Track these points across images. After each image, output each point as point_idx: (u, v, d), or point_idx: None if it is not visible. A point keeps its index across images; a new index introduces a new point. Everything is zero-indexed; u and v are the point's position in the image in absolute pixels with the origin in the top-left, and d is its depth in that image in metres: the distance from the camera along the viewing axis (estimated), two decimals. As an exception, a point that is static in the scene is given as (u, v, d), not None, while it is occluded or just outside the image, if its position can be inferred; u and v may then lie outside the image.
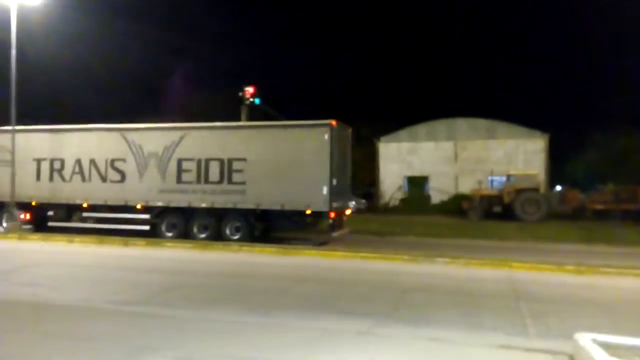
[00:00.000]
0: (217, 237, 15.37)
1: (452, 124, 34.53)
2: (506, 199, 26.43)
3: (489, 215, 26.02)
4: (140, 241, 14.78)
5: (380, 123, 39.76)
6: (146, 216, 16.20)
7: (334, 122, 14.88)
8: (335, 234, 15.31)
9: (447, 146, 34.33)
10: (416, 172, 34.80)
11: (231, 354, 5.54)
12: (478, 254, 12.67)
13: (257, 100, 25.16)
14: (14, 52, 17.44)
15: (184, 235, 15.74)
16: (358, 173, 44.67)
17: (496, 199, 27.03)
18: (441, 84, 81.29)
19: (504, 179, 28.72)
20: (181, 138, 16.01)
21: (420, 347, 6.01)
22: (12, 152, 17.17)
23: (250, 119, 29.53)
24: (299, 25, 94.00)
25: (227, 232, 15.45)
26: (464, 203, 27.52)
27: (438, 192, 33.38)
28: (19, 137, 17.82)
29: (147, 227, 16.10)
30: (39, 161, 17.47)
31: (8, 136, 17.66)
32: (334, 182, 14.71)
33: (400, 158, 35.24)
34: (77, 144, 17.17)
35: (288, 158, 14.98)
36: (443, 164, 34.23)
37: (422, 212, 27.79)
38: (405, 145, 35.22)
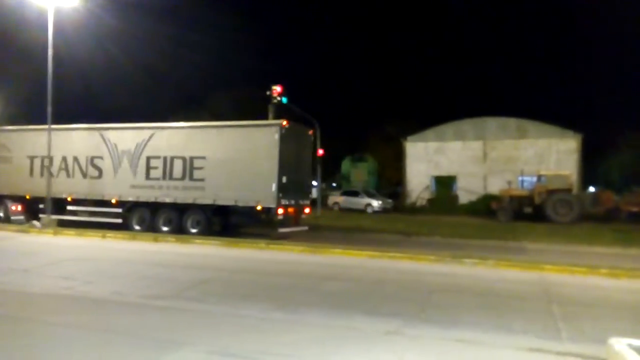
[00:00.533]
0: (179, 230, 16.23)
1: (480, 123, 34.00)
2: (537, 200, 25.88)
3: (518, 217, 25.52)
4: (170, 237, 15.09)
5: (407, 122, 39.50)
6: (119, 210, 17.24)
7: (284, 123, 15.53)
8: (283, 230, 15.73)
9: (475, 146, 33.82)
10: (443, 172, 34.41)
11: (261, 349, 5.61)
12: (507, 256, 12.46)
13: (284, 99, 25.32)
14: (50, 52, 18.00)
15: (151, 228, 16.62)
16: (384, 173, 44.63)
17: (527, 199, 26.49)
18: (469, 83, 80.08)
19: (534, 179, 28.12)
20: (150, 137, 16.96)
21: (448, 348, 5.96)
22: (48, 150, 17.77)
23: (277, 117, 29.77)
24: (326, 25, 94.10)
25: (188, 226, 16.33)
26: (493, 203, 27.07)
27: (466, 192, 32.93)
28: (15, 135, 19.66)
29: (120, 220, 17.06)
30: (32, 158, 18.88)
31: (6, 135, 19.76)
32: (284, 179, 15.27)
33: (427, 158, 34.91)
34: (62, 142, 18.30)
35: (241, 156, 15.76)
36: (471, 163, 33.74)
37: (450, 213, 27.48)
38: (433, 145, 34.86)
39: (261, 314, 7.19)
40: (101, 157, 17.59)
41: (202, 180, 16.09)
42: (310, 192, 17.75)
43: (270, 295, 8.40)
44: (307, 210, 17.05)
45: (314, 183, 28.53)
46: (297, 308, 7.52)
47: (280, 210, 15.33)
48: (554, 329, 6.74)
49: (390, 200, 32.03)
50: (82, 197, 17.90)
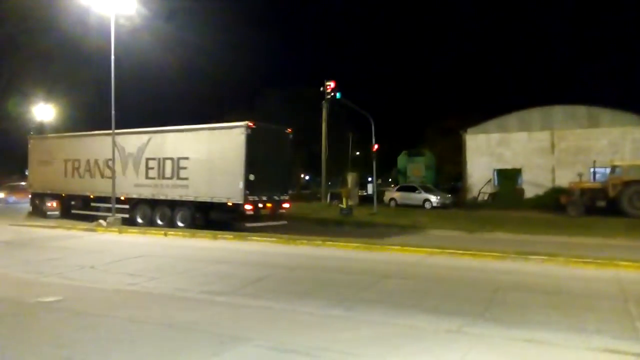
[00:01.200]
0: (171, 224, 17.78)
1: (547, 112, 32.24)
2: (611, 193, 24.20)
3: (591, 211, 23.95)
4: (229, 235, 15.40)
5: (466, 114, 38.26)
6: (127, 206, 19.05)
7: (250, 124, 16.56)
8: (252, 225, 16.57)
9: (542, 136, 32.14)
10: (507, 165, 32.98)
11: (321, 346, 5.55)
12: (579, 252, 11.70)
13: (338, 95, 25.22)
14: (112, 57, 18.87)
15: (151, 223, 18.37)
16: (443, 167, 43.48)
17: (600, 192, 24.82)
18: (534, 70, 76.42)
19: (608, 170, 26.33)
20: (148, 140, 18.82)
21: (515, 348, 5.63)
22: (113, 153, 18.95)
23: (331, 113, 29.78)
24: (381, 18, 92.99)
25: (177, 220, 17.92)
26: (563, 197, 25.59)
27: (532, 185, 31.39)
28: (55, 142, 23.01)
29: (127, 215, 18.88)
30: (65, 161, 21.68)
31: (49, 141, 23.23)
32: (252, 177, 16.28)
33: (489, 150, 33.60)
34: (87, 147, 21.11)
35: (214, 156, 17.08)
36: (537, 155, 32.12)
37: (515, 208, 26.26)
38: (495, 137, 33.49)
39: (319, 310, 7.13)
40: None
41: (186, 179, 17.67)
42: (287, 189, 18.67)
43: (327, 292, 8.33)
44: (285, 205, 17.86)
45: (370, 180, 28.26)
46: (356, 305, 7.40)
47: (248, 206, 16.30)
48: (631, 329, 6.24)
49: (449, 196, 31.11)
50: (102, 195, 19.84)
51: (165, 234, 16.19)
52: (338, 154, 41.97)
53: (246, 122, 16.66)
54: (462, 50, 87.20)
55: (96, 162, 20.59)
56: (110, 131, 19.18)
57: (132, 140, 19.34)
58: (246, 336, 5.91)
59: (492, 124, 33.86)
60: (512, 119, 33.21)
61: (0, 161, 46.18)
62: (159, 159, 18.39)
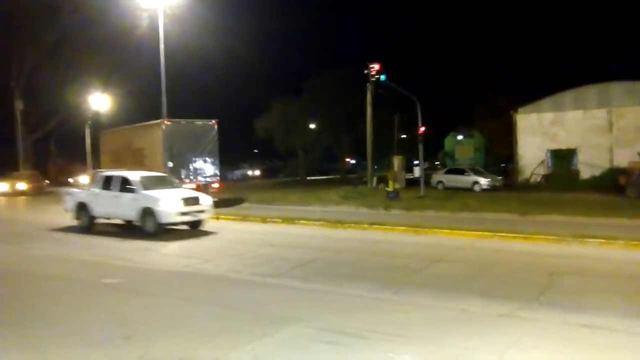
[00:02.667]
0: None
1: (604, 89, 30.49)
2: (675, 173, 22.76)
3: (652, 192, 22.64)
4: (277, 219, 15.65)
5: (517, 93, 36.82)
6: None
7: (167, 121, 19.86)
8: None
9: (598, 114, 30.48)
10: (561, 145, 31.56)
11: (370, 328, 5.60)
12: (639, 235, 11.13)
13: (382, 77, 24.82)
14: (162, 46, 19.38)
15: None
16: (493, 148, 42.19)
17: (662, 172, 23.39)
18: (589, 45, 72.46)
19: (671, 149, 24.75)
20: (133, 134, 22.10)
21: (572, 333, 5.48)
22: (163, 143, 20.14)
23: (376, 95, 29.39)
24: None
25: None
26: (621, 178, 24.28)
27: (588, 166, 29.95)
28: (110, 134, 25.44)
29: None
30: (114, 151, 24.29)
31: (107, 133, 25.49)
32: (170, 164, 19.33)
33: (542, 130, 32.23)
34: (114, 141, 24.13)
35: (150, 148, 20.49)
36: (594, 134, 30.54)
37: (570, 189, 25.15)
38: (548, 116, 32.07)
39: (368, 293, 7.18)
40: (124, 151, 22.11)
41: (144, 166, 19.67)
42: (215, 172, 20.70)
43: (375, 275, 8.36)
44: (214, 185, 20.36)
45: (416, 163, 27.94)
46: (404, 288, 7.40)
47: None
48: (701, 317, 5.90)
49: (500, 178, 30.19)
50: None
51: (217, 218, 16.62)
52: (383, 137, 41.48)
53: (163, 120, 20.16)
54: (511, 25, 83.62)
55: (116, 153, 23.38)
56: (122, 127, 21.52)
57: (128, 134, 22.85)
58: (296, 317, 6.05)
59: (545, 102, 32.40)
60: (567, 96, 31.64)
61: (61, 150, 48.74)
62: (136, 148, 21.66)
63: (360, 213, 17.42)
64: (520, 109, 33.12)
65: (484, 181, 27.88)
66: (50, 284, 8.24)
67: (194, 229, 13.73)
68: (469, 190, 26.82)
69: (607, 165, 29.18)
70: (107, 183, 14.33)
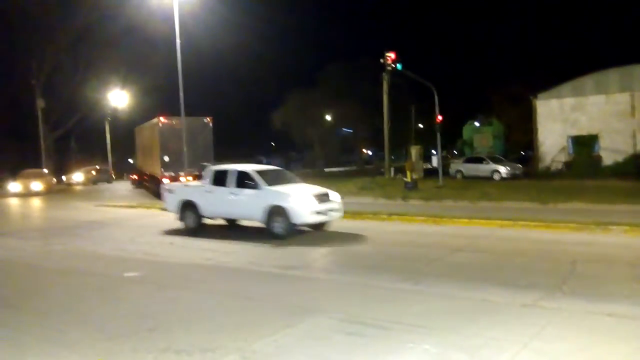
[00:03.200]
0: None
1: (627, 72, 29.71)
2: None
3: (678, 178, 22.10)
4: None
5: (536, 79, 36.18)
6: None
7: (162, 120, 22.66)
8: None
9: (621, 99, 29.77)
10: (583, 131, 30.94)
11: (392, 319, 5.60)
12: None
13: (399, 66, 24.61)
14: (178, 41, 19.48)
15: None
16: (511, 136, 41.61)
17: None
18: (610, 27, 70.62)
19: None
20: (146, 131, 25.09)
21: (596, 322, 5.40)
22: (159, 139, 22.32)
23: (392, 85, 29.18)
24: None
25: None
26: (645, 163, 23.77)
27: (611, 152, 29.33)
28: (139, 130, 28.32)
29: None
30: (142, 146, 27.83)
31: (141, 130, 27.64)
32: (166, 158, 22.39)
33: (562, 116, 31.61)
34: (142, 136, 27.26)
35: (151, 144, 24.22)
36: (616, 119, 29.84)
37: (592, 176, 24.70)
38: (569, 101, 31.43)
39: (389, 284, 7.17)
40: (148, 147, 24.80)
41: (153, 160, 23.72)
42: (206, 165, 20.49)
43: (396, 266, 8.35)
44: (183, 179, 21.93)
45: (434, 153, 27.76)
46: (425, 279, 7.37)
47: (165, 180, 21.06)
48: None
49: (519, 166, 29.78)
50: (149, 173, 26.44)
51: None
52: (400, 127, 41.27)
53: (158, 118, 22.64)
54: (530, 9, 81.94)
55: (144, 147, 26.85)
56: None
57: (145, 132, 26.08)
58: (318, 308, 6.08)
59: (565, 87, 31.74)
60: (588, 81, 30.95)
61: (82, 146, 49.59)
62: (150, 145, 24.83)
63: (379, 204, 17.39)
64: (539, 95, 32.51)
65: (503, 169, 27.52)
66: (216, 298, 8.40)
67: (319, 230, 11.95)
68: (488, 179, 26.54)
69: (630, 151, 28.56)
70: (219, 178, 12.35)
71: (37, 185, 28.94)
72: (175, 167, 21.92)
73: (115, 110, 43.44)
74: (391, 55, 24.31)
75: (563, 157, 30.92)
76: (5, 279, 8.83)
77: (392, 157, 33.53)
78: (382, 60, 24.73)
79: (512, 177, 26.97)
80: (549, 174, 28.37)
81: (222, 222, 13.55)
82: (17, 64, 35.74)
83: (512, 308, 5.93)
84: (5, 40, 34.44)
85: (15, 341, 5.39)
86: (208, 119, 22.30)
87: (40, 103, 34.66)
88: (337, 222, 13.78)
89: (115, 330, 5.58)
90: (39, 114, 35.11)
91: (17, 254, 10.92)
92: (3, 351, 5.13)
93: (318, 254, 9.42)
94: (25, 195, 28.16)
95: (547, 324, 5.33)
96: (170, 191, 13.53)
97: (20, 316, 6.34)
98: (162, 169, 22.17)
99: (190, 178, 20.38)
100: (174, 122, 22.31)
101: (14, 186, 28.86)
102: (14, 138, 38.25)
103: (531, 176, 27.11)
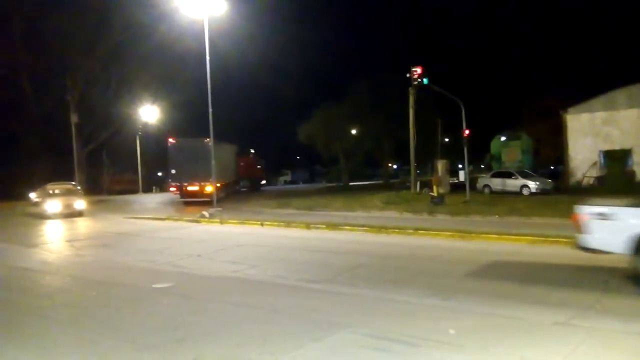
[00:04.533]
0: None
1: (661, 86, 29.00)
2: None
3: None
4: (321, 225, 15.71)
5: (566, 93, 35.57)
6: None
7: (172, 140, 28.31)
8: (182, 200, 28.19)
9: (654, 113, 29.01)
10: (615, 146, 30.19)
11: (419, 335, 5.53)
12: None
13: (425, 80, 24.58)
14: (207, 57, 19.95)
15: None
16: (541, 150, 40.81)
17: None
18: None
19: None
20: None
21: (632, 342, 5.24)
22: (211, 151, 21.79)
23: (418, 99, 29.11)
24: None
25: None
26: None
27: (644, 167, 28.53)
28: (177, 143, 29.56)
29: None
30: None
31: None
32: (173, 171, 27.95)
33: (593, 130, 30.94)
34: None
35: (168, 158, 28.77)
36: (650, 134, 29.06)
37: (625, 192, 23.97)
38: (600, 115, 30.76)
39: (415, 299, 7.09)
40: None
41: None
42: (208, 177, 24.02)
43: (423, 281, 8.25)
44: (207, 188, 25.67)
45: (462, 166, 27.56)
46: (453, 295, 7.26)
47: (172, 188, 28.37)
48: None
49: (550, 181, 29.16)
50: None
51: (262, 224, 16.89)
52: (426, 141, 41.02)
53: (170, 139, 28.36)
54: (560, 23, 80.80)
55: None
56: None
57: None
58: (344, 323, 6.05)
59: (596, 101, 31.10)
60: (620, 95, 30.26)
61: (113, 160, 50.86)
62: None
63: (404, 218, 17.26)
64: (570, 109, 31.94)
65: (533, 184, 26.98)
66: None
67: None
68: (517, 194, 26.06)
69: (665, 166, 27.69)
70: None
71: (79, 204, 22.95)
72: (181, 179, 27.63)
73: (145, 124, 44.52)
74: (417, 70, 24.34)
75: (595, 172, 30.19)
76: (38, 289, 9.09)
77: (418, 172, 33.31)
78: (408, 75, 24.76)
79: (542, 192, 26.40)
80: (580, 189, 27.67)
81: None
82: (53, 80, 37.09)
83: (544, 326, 5.78)
84: (41, 57, 35.84)
85: (48, 350, 5.53)
86: (207, 139, 23.70)
87: (74, 118, 35.79)
88: (362, 235, 13.74)
89: (145, 340, 5.67)
90: (73, 128, 36.23)
91: (50, 265, 11.23)
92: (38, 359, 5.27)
93: (342, 268, 9.39)
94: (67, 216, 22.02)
95: (580, 342, 5.18)
96: (604, 217, 7.93)
97: (53, 326, 6.49)
98: (169, 179, 28.81)
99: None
100: (183, 142, 28.45)
101: (52, 205, 22.21)
102: (48, 152, 39.50)
103: (562, 191, 26.50)
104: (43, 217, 21.71)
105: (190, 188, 27.46)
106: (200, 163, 25.42)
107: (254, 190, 42.26)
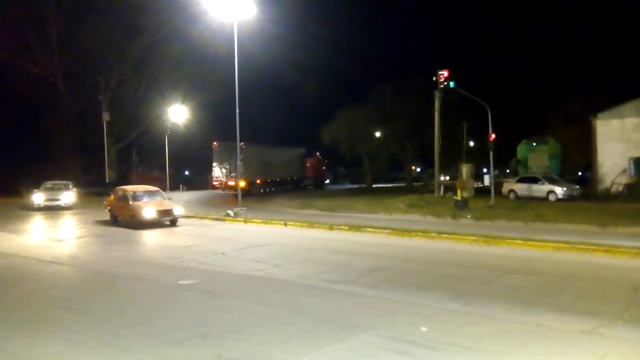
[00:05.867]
0: None
1: (696, 91, 28.06)
2: None
3: None
4: (344, 226, 15.76)
5: (595, 98, 34.75)
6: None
7: (215, 143, 34.92)
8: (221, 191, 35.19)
9: (688, 119, 28.09)
10: (646, 152, 29.35)
11: (440, 339, 5.54)
12: None
13: (452, 84, 24.37)
14: (237, 60, 20.22)
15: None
16: (569, 156, 39.94)
17: None
18: (680, 44, 66.83)
19: None
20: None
21: (662, 355, 5.12)
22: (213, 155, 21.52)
23: (444, 103, 28.87)
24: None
25: None
26: None
27: (677, 175, 27.64)
28: (222, 147, 34.60)
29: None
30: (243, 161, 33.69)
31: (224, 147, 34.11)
32: (215, 168, 35.05)
33: (624, 137, 30.12)
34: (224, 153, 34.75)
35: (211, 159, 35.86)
36: (684, 140, 28.14)
37: (656, 200, 23.32)
38: (631, 121, 29.91)
39: (437, 303, 7.09)
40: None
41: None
42: (239, 175, 26.88)
43: (445, 286, 8.22)
44: (241, 184, 26.69)
45: (488, 170, 27.36)
46: (476, 300, 7.23)
47: (215, 183, 35.27)
48: None
49: (577, 187, 28.51)
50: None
51: (285, 224, 17.04)
52: (451, 144, 40.59)
53: (214, 142, 34.82)
54: (588, 27, 78.92)
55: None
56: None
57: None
58: (365, 324, 6.09)
59: (627, 107, 30.26)
60: (652, 100, 29.39)
61: (142, 158, 51.89)
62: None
63: (428, 222, 17.17)
64: (599, 114, 31.19)
65: (560, 190, 26.45)
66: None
67: None
68: (543, 200, 25.59)
69: (699, 174, 26.79)
70: None
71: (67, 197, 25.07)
72: (221, 175, 34.60)
73: (174, 125, 45.31)
74: (444, 74, 24.13)
75: (624, 179, 29.40)
76: (68, 282, 9.39)
77: (442, 176, 33.03)
78: (434, 78, 24.59)
79: (569, 198, 25.85)
80: (609, 197, 27.00)
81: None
82: (86, 80, 38.12)
83: (569, 334, 5.72)
84: (76, 59, 36.89)
85: (77, 342, 5.71)
86: (242, 143, 26.24)
87: (106, 117, 36.71)
88: (385, 238, 13.72)
89: (170, 335, 5.82)
90: (104, 127, 37.16)
91: (79, 260, 11.57)
92: (66, 350, 5.47)
93: (365, 270, 9.43)
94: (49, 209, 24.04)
95: (607, 352, 5.11)
96: None
97: (82, 318, 6.72)
98: (210, 176, 36.12)
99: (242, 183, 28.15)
100: (223, 145, 34.27)
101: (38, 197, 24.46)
102: (80, 149, 40.60)
103: (590, 198, 25.90)
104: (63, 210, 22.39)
105: (229, 183, 33.49)
106: (234, 163, 30.35)
107: (318, 187, 47.74)
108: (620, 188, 28.90)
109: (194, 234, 15.67)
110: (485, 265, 9.89)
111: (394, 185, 51.87)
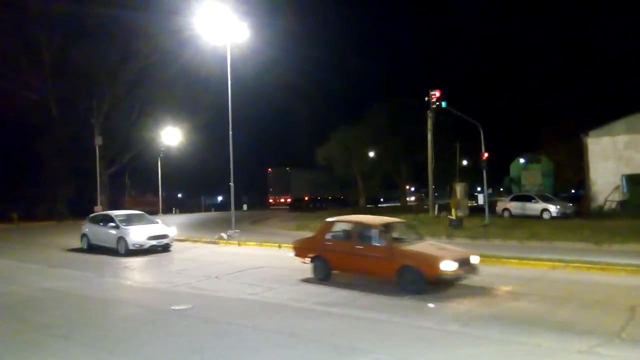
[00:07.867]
0: None
1: (685, 109, 28.52)
2: None
3: None
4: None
5: (587, 116, 35.23)
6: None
7: (269, 169, 45.24)
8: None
9: (678, 136, 28.46)
10: (637, 170, 29.59)
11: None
12: None
13: (444, 104, 24.63)
14: (229, 82, 20.35)
15: None
16: (561, 174, 40.22)
17: None
18: (666, 62, 68.19)
19: None
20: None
21: (661, 375, 5.07)
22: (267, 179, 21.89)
23: (436, 122, 29.11)
24: (491, 15, 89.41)
25: None
26: None
27: (669, 191, 27.85)
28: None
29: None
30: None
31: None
32: (271, 190, 45.18)
33: (615, 154, 30.40)
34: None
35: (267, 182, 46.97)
36: (674, 157, 28.46)
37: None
38: (622, 139, 30.25)
39: (435, 325, 7.02)
40: None
41: None
42: (289, 193, 37.48)
43: (442, 307, 8.14)
44: (288, 199, 42.60)
45: (481, 189, 27.48)
46: (474, 321, 7.17)
47: (270, 200, 44.77)
48: None
49: (570, 205, 28.65)
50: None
51: (279, 246, 16.91)
52: (445, 164, 40.81)
53: (269, 169, 44.38)
54: (580, 46, 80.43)
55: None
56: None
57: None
58: (363, 348, 6.01)
59: (618, 124, 30.64)
60: (643, 117, 29.79)
61: (134, 182, 51.68)
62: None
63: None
64: (591, 132, 31.54)
65: (553, 208, 26.54)
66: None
67: None
68: (537, 218, 25.65)
69: (690, 190, 27.00)
70: None
71: None
72: (276, 195, 44.22)
73: (167, 148, 45.35)
74: (436, 94, 24.42)
75: (617, 196, 29.57)
76: (57, 309, 9.20)
77: (436, 195, 33.10)
78: (427, 98, 24.85)
79: (563, 216, 25.94)
80: (602, 214, 27.12)
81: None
82: (79, 104, 38.14)
83: (567, 354, 5.67)
84: (69, 83, 36.99)
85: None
86: (287, 168, 38.01)
87: (98, 141, 36.56)
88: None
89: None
90: (97, 151, 37.04)
91: (70, 285, 11.38)
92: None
93: (359, 293, 9.33)
94: None
95: (605, 373, 5.06)
96: None
97: (72, 347, 6.57)
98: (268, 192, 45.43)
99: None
100: (276, 169, 44.02)
101: None
102: (72, 173, 40.35)
103: (583, 216, 25.99)
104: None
105: (280, 200, 43.87)
106: (282, 183, 43.04)
107: (347, 205, 52.00)
108: (614, 205, 29.04)
109: (187, 257, 15.50)
110: (482, 285, 9.81)
111: (389, 205, 51.92)
